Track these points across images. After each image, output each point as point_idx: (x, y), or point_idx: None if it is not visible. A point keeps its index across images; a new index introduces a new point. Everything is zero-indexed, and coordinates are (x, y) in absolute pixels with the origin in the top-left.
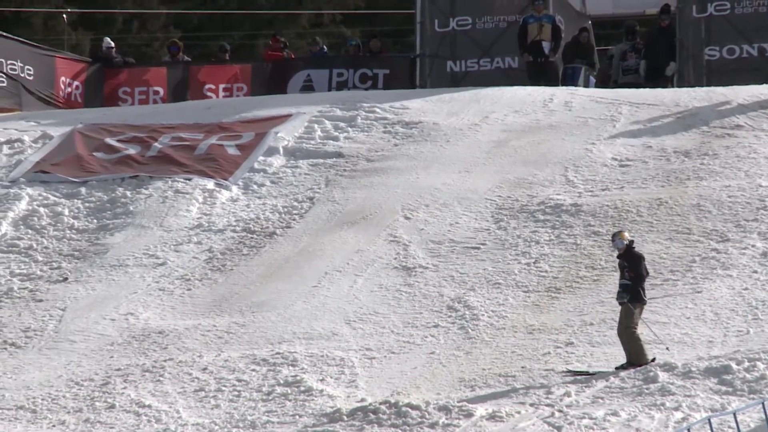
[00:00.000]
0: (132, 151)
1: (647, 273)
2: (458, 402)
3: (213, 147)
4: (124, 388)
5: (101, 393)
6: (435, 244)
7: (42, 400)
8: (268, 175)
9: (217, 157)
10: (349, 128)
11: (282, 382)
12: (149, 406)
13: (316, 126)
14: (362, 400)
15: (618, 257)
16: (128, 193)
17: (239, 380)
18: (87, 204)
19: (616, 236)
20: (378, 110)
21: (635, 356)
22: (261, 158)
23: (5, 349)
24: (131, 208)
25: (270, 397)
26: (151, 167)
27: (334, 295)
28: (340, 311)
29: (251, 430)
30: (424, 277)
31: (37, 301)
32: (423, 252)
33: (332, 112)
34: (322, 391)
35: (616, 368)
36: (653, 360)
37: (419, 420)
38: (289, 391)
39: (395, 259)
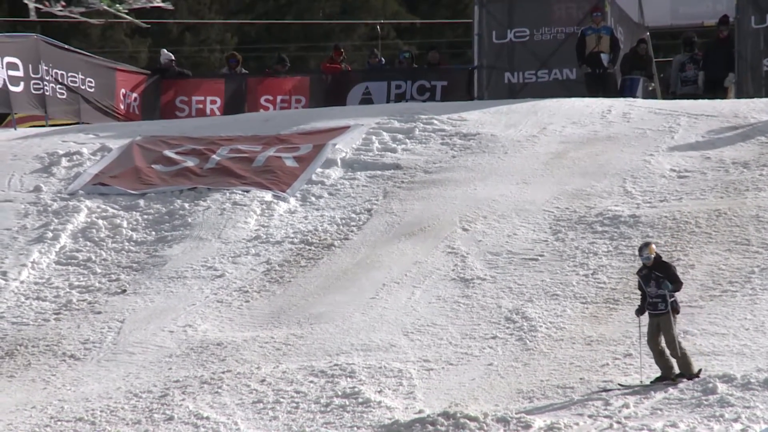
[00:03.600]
0: (190, 163)
1: (681, 281)
2: (516, 413)
3: (271, 159)
4: (183, 399)
5: (160, 405)
6: (493, 255)
7: (101, 412)
8: (326, 187)
9: (275, 169)
10: (407, 140)
11: (340, 393)
12: (207, 418)
13: (373, 138)
14: (420, 411)
15: (645, 269)
16: (186, 205)
17: (297, 392)
18: (145, 216)
19: (644, 249)
20: (436, 122)
21: (685, 367)
22: (319, 170)
23: (64, 361)
24: (189, 220)
25: (328, 409)
26: (210, 179)
27: (391, 306)
28: (398, 323)
29: None
30: (482, 288)
31: (95, 313)
32: (481, 263)
33: (390, 123)
34: (380, 402)
35: (651, 382)
36: (699, 371)
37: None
38: (347, 403)
39: (453, 270)
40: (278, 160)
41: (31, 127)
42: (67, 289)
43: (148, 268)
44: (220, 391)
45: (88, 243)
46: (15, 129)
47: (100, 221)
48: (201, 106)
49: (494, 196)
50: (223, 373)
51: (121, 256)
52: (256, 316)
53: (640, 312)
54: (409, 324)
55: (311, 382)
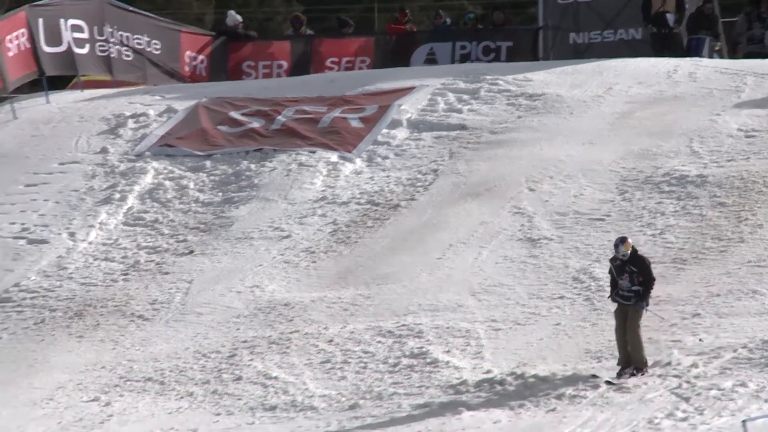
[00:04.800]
0: (256, 124)
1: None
2: (585, 373)
3: (336, 120)
4: (251, 360)
5: (228, 365)
6: (559, 215)
7: (170, 371)
8: (392, 148)
9: (340, 129)
10: (473, 100)
11: (408, 353)
12: (276, 378)
13: (439, 98)
14: (488, 371)
15: (619, 260)
16: (252, 166)
17: (365, 352)
18: (212, 177)
19: (620, 246)
20: (501, 82)
21: (640, 359)
22: (384, 131)
23: (133, 321)
24: (256, 181)
25: (396, 369)
26: (275, 140)
27: (458, 267)
28: (465, 283)
29: (378, 401)
30: (548, 248)
31: (163, 274)
32: (547, 223)
33: (455, 84)
34: (448, 362)
35: (616, 376)
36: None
37: (546, 391)
38: (415, 363)
39: (520, 230)
40: (344, 121)
41: (96, 86)
42: (135, 250)
43: (215, 229)
44: (288, 351)
45: (155, 204)
46: (81, 91)
47: (167, 182)
48: (267, 70)
49: (560, 156)
50: (291, 333)
51: (188, 217)
52: (323, 276)
53: (614, 299)
54: (476, 284)
55: (379, 342)
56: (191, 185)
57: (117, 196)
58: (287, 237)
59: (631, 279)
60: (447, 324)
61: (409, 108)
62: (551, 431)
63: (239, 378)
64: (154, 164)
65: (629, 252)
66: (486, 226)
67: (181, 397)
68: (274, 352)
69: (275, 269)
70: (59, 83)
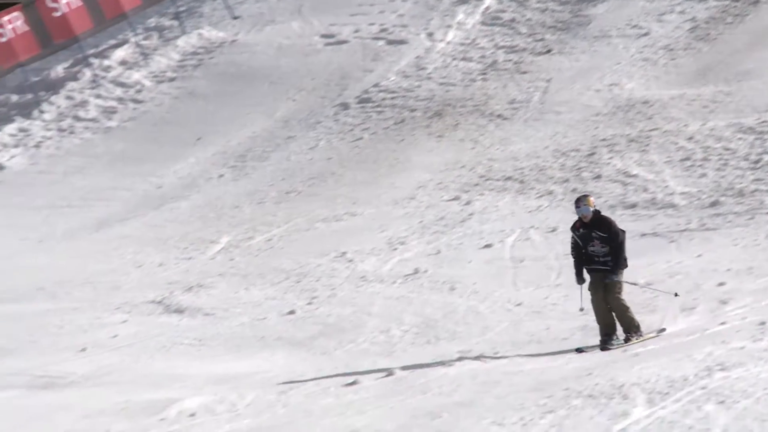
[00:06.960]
0: None
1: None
2: None
3: None
4: (610, 158)
5: (587, 163)
6: None
7: (529, 170)
8: None
9: None
10: None
11: None
12: (635, 176)
13: None
14: None
15: (584, 227)
16: None
17: (726, 149)
18: None
19: (581, 202)
20: None
21: (630, 322)
22: None
23: (492, 120)
24: None
25: (758, 165)
26: None
27: None
28: None
29: (739, 198)
30: None
31: (521, 73)
32: None
33: None
34: None
35: (625, 340)
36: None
37: None
38: None
39: None
40: None
41: None
42: (493, 50)
43: (572, 27)
44: (647, 149)
45: (513, 3)
46: None
47: None
48: None
49: None
50: (650, 131)
51: (545, 16)
52: (682, 73)
53: (582, 280)
54: None
55: (740, 138)
56: None
57: None
58: (646, 34)
59: (602, 243)
60: None
61: None
62: None
63: (598, 176)
64: None
65: (592, 209)
66: None
67: (541, 196)
68: (634, 150)
69: (634, 67)
70: None
